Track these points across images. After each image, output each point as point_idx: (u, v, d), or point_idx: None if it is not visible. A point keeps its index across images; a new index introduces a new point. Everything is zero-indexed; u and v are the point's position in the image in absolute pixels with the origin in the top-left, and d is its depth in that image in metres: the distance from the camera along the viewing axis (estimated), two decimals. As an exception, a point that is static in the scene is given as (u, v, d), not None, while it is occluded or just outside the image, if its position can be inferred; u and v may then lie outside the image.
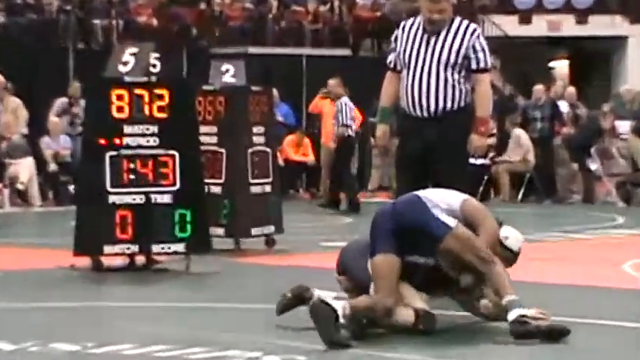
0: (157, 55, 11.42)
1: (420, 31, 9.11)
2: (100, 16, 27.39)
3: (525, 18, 34.57)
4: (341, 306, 7.17)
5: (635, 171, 21.78)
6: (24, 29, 25.81)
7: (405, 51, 9.13)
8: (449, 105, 9.04)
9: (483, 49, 9.10)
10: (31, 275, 11.19)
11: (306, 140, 24.94)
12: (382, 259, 7.42)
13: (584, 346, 7.33)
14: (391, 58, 9.35)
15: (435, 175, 9.00)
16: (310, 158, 24.37)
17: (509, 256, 7.76)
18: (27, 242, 14.95)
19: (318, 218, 18.48)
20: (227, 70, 13.42)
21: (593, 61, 35.42)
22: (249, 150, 13.12)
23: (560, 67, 37.15)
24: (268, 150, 13.37)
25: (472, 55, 9.06)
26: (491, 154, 23.45)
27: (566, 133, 23.10)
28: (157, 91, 11.14)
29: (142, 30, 27.48)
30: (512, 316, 7.21)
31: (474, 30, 9.10)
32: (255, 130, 13.23)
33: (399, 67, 9.23)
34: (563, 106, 24.05)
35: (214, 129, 13.03)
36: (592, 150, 22.22)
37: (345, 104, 19.88)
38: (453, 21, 9.10)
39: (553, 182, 22.89)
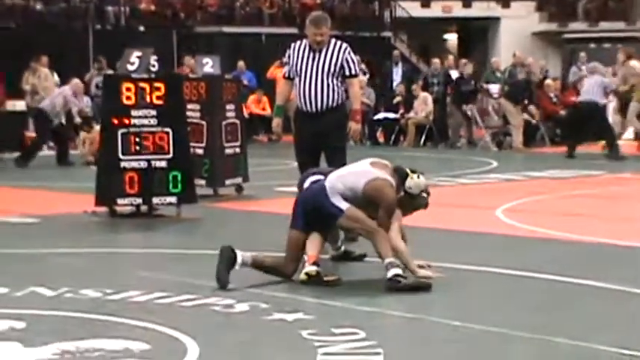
0: (155, 57, 11.37)
1: (307, 49, 9.27)
2: (112, 3, 27.13)
3: (425, 3, 34.53)
4: (241, 255, 7.33)
5: (505, 124, 21.89)
6: (55, 15, 25.50)
7: (297, 64, 9.28)
8: (330, 103, 9.25)
9: (353, 61, 9.34)
10: (61, 220, 11.03)
11: (264, 98, 24.85)
12: (291, 234, 7.50)
13: (472, 294, 7.23)
14: (285, 69, 9.52)
15: (324, 152, 9.29)
16: (267, 112, 24.25)
17: (416, 201, 7.65)
18: (61, 186, 14.71)
19: (274, 162, 18.25)
20: (207, 62, 13.38)
21: (475, 36, 35.49)
22: (224, 122, 13.05)
23: (451, 40, 37.20)
24: (237, 121, 13.33)
25: (345, 66, 9.26)
26: (401, 111, 23.52)
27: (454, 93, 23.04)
28: (156, 84, 11.04)
29: (143, 14, 27.23)
30: (389, 274, 7.13)
31: (346, 47, 9.30)
32: (227, 107, 13.16)
33: (291, 76, 9.37)
34: (454, 74, 23.99)
35: (198, 107, 12.96)
36: (470, 106, 22.27)
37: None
38: (330, 41, 9.28)
39: (446, 131, 22.97)
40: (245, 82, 23.86)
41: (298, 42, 9.33)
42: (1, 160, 18.68)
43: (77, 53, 22.53)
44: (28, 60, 21.73)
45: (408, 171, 7.65)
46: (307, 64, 9.20)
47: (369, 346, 5.68)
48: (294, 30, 28.51)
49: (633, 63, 20.01)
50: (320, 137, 9.20)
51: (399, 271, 7.16)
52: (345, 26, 28.86)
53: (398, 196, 7.55)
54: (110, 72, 19.85)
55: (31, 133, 21.71)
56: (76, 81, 20.09)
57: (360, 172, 7.54)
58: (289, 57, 9.35)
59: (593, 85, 19.25)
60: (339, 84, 9.26)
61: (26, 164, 18.34)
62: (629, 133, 21.57)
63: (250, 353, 5.69)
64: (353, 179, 7.47)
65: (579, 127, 19.23)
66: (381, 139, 23.84)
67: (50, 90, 21.03)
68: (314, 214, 7.45)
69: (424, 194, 7.69)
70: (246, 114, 20.58)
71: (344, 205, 7.36)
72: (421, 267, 7.67)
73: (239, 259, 7.32)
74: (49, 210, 11.81)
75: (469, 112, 22.26)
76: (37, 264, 8.46)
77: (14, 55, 22.75)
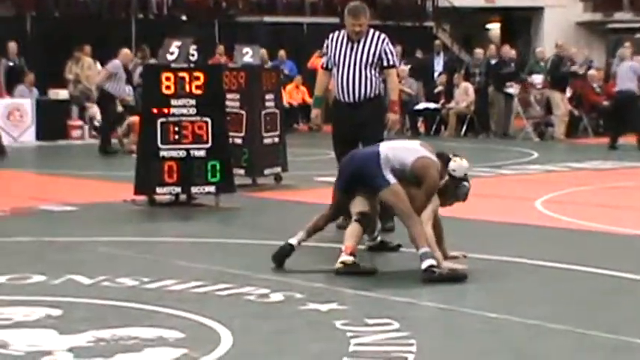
0: (195, 46, 11.39)
1: (345, 40, 9.24)
2: (154, -8, 27.23)
3: (468, -8, 34.32)
4: (295, 240, 7.56)
5: (547, 115, 21.73)
6: (98, 4, 25.65)
7: (335, 55, 9.26)
8: (368, 93, 9.23)
9: (391, 52, 9.30)
10: (100, 209, 11.09)
11: (303, 88, 24.82)
12: (335, 192, 7.69)
13: (508, 286, 7.18)
14: (324, 60, 9.50)
15: (362, 143, 9.16)
16: (308, 101, 24.18)
17: (458, 189, 7.62)
18: (101, 174, 14.81)
19: (314, 152, 18.17)
20: (247, 52, 13.38)
21: (518, 26, 35.25)
22: (263, 112, 13.06)
23: (494, 29, 36.96)
24: (277, 111, 13.33)
25: (384, 56, 9.23)
26: (442, 101, 23.43)
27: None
28: (195, 74, 11.04)
29: (185, 3, 27.30)
30: (424, 265, 7.12)
31: (384, 38, 9.26)
32: (267, 97, 13.19)
33: (329, 67, 9.34)
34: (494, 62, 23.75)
35: (237, 96, 13.00)
36: (512, 82, 22.00)
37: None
38: (368, 32, 9.22)
39: (487, 121, 22.82)
40: (286, 71, 23.86)
41: (337, 32, 9.32)
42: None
43: (120, 42, 22.53)
44: (71, 49, 21.89)
45: (451, 155, 7.69)
46: (345, 54, 9.19)
47: (403, 337, 5.68)
48: (335, 20, 28.45)
49: None
50: (357, 127, 9.20)
51: (433, 262, 7.16)
52: (386, 16, 28.76)
53: (442, 181, 7.57)
54: (153, 61, 19.84)
55: (73, 122, 21.91)
56: (125, 51, 19.47)
57: (411, 148, 7.66)
58: (327, 47, 9.35)
59: (625, 72, 19.18)
60: (377, 75, 9.25)
61: (112, 151, 18.31)
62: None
63: (284, 343, 5.71)
64: (403, 155, 7.57)
65: (620, 118, 19.08)
66: (422, 129, 23.74)
67: (93, 79, 21.18)
68: (357, 176, 7.55)
69: (465, 183, 7.67)
70: (285, 103, 20.62)
71: (392, 180, 7.44)
72: (455, 258, 7.64)
73: (295, 244, 7.53)
74: (88, 198, 11.89)
75: (511, 90, 21.94)
76: (74, 252, 8.52)
77: (58, 44, 22.94)
